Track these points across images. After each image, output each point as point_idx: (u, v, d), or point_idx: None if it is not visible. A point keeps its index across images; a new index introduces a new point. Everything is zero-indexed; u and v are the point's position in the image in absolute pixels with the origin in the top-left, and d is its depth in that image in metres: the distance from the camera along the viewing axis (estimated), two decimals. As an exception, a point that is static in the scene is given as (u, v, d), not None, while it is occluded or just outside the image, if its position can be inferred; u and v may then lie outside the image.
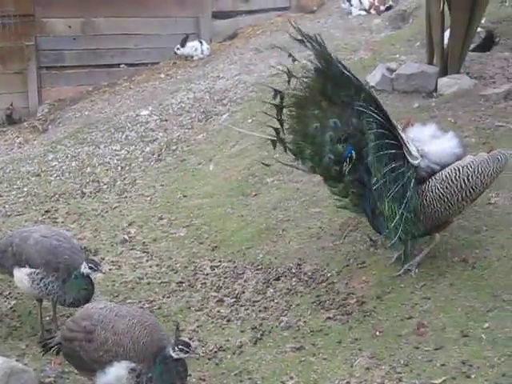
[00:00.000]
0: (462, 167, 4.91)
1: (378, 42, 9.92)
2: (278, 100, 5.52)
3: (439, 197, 4.91)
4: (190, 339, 4.81)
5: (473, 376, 4.08)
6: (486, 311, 4.57)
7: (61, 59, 11.33)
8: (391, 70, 7.95)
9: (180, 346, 3.89)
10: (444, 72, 7.66)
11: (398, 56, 8.78)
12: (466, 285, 4.83)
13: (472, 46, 8.07)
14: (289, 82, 5.52)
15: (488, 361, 4.17)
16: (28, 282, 4.91)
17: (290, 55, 5.56)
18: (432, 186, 4.93)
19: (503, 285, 4.74)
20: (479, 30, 8.13)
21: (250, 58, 10.74)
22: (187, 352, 3.90)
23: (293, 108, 5.46)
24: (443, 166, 4.96)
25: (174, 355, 3.89)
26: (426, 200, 4.94)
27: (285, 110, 5.50)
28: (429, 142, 5.07)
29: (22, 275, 4.95)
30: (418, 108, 7.19)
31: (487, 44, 8.49)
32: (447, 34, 7.65)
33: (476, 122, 6.67)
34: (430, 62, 7.88)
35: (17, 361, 4.49)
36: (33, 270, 4.90)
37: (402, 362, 4.29)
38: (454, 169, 4.93)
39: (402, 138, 4.98)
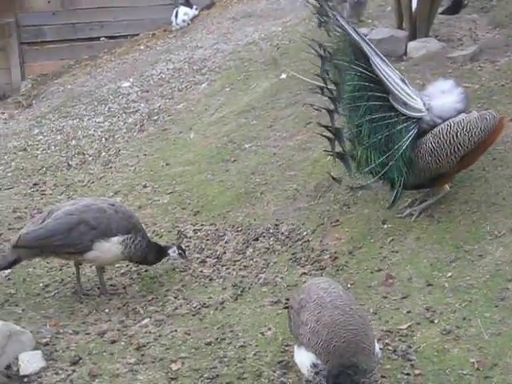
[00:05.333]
0: (453, 124, 5.14)
1: (351, 7, 10.11)
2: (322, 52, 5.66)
3: (431, 150, 5.15)
4: (175, 298, 5.15)
5: (436, 321, 4.39)
6: (449, 262, 4.88)
7: (41, 34, 11.51)
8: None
9: None
10: (413, 36, 7.88)
11: (370, 21, 9.01)
12: (431, 238, 5.14)
13: (441, 9, 8.31)
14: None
15: (450, 307, 4.48)
16: (120, 249, 5.07)
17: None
18: (427, 138, 5.18)
19: (465, 237, 5.03)
20: (448, -8, 8.37)
21: (228, 27, 10.95)
22: None
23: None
24: (445, 120, 5.20)
25: None
26: (420, 152, 5.18)
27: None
28: (437, 96, 5.30)
29: (112, 244, 5.05)
30: (388, 71, 7.45)
31: (456, 7, 8.68)
32: (415, -2, 7.88)
33: (443, 83, 6.94)
34: (400, 27, 8.11)
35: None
36: (125, 236, 5.11)
37: (372, 310, 4.59)
38: (447, 124, 5.16)
39: (395, 91, 5.23)
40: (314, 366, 3.65)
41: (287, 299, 4.31)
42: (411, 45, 7.76)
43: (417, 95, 5.30)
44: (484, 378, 3.88)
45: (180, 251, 5.36)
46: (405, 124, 5.24)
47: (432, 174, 5.29)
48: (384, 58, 5.43)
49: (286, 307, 4.15)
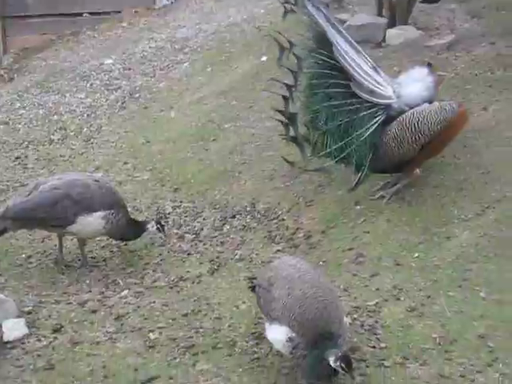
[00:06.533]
0: (416, 112, 5.33)
1: (332, -7, 10.27)
2: None
3: (394, 136, 5.35)
4: (153, 271, 5.34)
5: (402, 298, 4.59)
6: (417, 243, 5.09)
7: (24, 8, 11.52)
8: (343, 21, 8.35)
9: None
10: (392, 23, 8.06)
11: (351, 7, 9.17)
12: (401, 220, 5.35)
13: (421, -2, 8.50)
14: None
15: (416, 285, 4.69)
16: (101, 224, 5.23)
17: None
18: (392, 125, 5.37)
19: (434, 220, 5.26)
20: (428, -19, 8.54)
21: (210, 7, 11.03)
22: None
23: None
24: (411, 108, 5.37)
25: None
26: (385, 137, 5.38)
27: None
28: (408, 84, 5.48)
29: (94, 219, 5.21)
30: (366, 57, 7.64)
31: (435, -4, 8.90)
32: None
33: (419, 71, 7.14)
34: (380, 14, 8.30)
35: (-2, 293, 4.87)
36: (107, 211, 5.26)
37: (342, 287, 4.79)
38: (410, 113, 5.35)
39: (360, 79, 5.43)
40: (290, 339, 3.74)
41: (251, 279, 4.44)
42: (390, 32, 7.94)
43: (388, 83, 5.49)
44: (444, 352, 4.10)
45: (158, 226, 5.50)
46: (370, 111, 5.44)
47: (396, 160, 5.47)
48: (356, 46, 5.61)
49: (252, 287, 4.26)
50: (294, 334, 3.73)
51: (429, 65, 5.59)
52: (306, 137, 5.76)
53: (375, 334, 4.29)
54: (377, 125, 5.42)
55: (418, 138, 5.32)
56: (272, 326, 3.89)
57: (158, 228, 5.49)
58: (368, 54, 6.75)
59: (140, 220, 5.63)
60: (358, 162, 5.49)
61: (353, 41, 5.62)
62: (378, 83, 5.48)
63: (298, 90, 5.75)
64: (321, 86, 5.53)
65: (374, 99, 5.45)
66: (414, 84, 5.49)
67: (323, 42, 5.57)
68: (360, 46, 5.71)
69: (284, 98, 5.75)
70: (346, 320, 3.93)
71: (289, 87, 5.76)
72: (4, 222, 5.21)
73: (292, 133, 5.86)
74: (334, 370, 3.63)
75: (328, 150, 5.52)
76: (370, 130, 5.41)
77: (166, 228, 5.62)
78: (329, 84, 5.53)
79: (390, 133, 5.37)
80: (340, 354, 3.62)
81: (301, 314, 3.73)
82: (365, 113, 5.44)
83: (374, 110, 5.44)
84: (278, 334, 3.83)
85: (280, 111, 5.69)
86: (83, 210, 5.21)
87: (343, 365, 3.60)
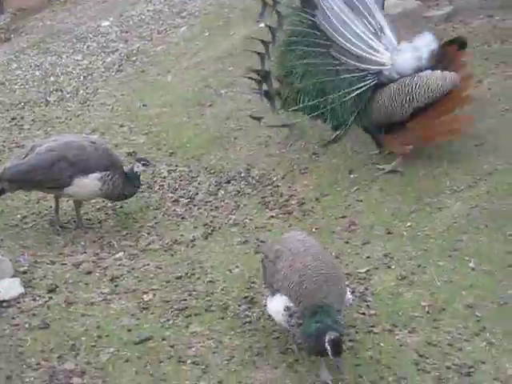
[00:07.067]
0: (417, 76, 5.38)
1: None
2: None
3: (389, 95, 5.42)
4: (148, 234, 5.39)
5: (393, 267, 4.68)
6: (409, 212, 5.17)
7: (22, -32, 11.46)
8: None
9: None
10: (391, -7, 8.05)
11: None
12: (394, 189, 5.43)
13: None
14: None
15: (407, 254, 4.78)
16: (97, 185, 5.27)
17: None
18: (391, 85, 5.43)
19: (426, 189, 5.33)
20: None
21: (208, -30, 10.97)
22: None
23: None
24: (402, 76, 5.43)
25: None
26: (381, 96, 5.45)
27: None
28: (407, 51, 5.47)
29: (90, 180, 5.25)
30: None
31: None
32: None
33: (416, 41, 7.14)
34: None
35: (-7, 253, 4.93)
36: (103, 172, 5.29)
37: (334, 254, 4.85)
38: (412, 76, 5.40)
39: (346, 44, 5.48)
40: (287, 308, 3.76)
41: (259, 241, 4.48)
42: (389, 2, 7.86)
43: (387, 48, 5.51)
44: (433, 320, 4.19)
45: (143, 162, 5.49)
46: (356, 74, 5.50)
47: (383, 118, 5.53)
48: (360, 7, 5.60)
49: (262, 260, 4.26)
50: (291, 304, 3.76)
51: (461, 44, 5.52)
52: (278, 91, 5.85)
53: (365, 301, 4.38)
54: (365, 88, 5.49)
55: (411, 99, 5.38)
56: (273, 298, 3.91)
57: (143, 164, 5.48)
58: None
59: (129, 171, 5.50)
60: (336, 121, 5.60)
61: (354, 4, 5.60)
62: (372, 48, 5.50)
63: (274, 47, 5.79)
64: (300, 44, 5.64)
65: (362, 65, 5.49)
66: (414, 52, 5.49)
67: (309, 1, 5.60)
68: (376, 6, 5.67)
69: (260, 54, 5.80)
70: (350, 297, 3.93)
71: (266, 44, 5.80)
72: (1, 183, 5.26)
73: (265, 87, 5.94)
74: (325, 348, 3.61)
75: (301, 106, 5.62)
76: (356, 93, 5.50)
77: (149, 159, 5.65)
78: (309, 43, 5.61)
79: (388, 91, 5.44)
80: (334, 337, 3.57)
81: (299, 284, 3.75)
82: (347, 75, 5.51)
83: (363, 74, 5.50)
84: (277, 304, 3.86)
85: (255, 70, 5.80)
86: (79, 172, 5.25)
87: (332, 349, 3.56)
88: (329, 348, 3.57)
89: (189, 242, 5.23)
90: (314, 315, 3.67)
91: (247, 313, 4.36)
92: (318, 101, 5.59)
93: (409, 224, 5.07)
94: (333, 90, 5.53)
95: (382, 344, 4.04)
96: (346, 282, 4.44)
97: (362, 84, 5.50)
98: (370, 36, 5.55)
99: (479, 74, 6.34)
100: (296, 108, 5.72)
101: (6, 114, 7.78)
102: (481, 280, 4.45)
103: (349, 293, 3.95)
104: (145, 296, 4.58)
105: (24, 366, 3.96)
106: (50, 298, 4.60)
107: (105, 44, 9.28)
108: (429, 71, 5.45)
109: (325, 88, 5.56)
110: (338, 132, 5.67)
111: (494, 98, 6.00)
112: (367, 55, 5.51)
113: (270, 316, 4.04)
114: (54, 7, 11.16)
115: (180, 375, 3.90)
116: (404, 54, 5.49)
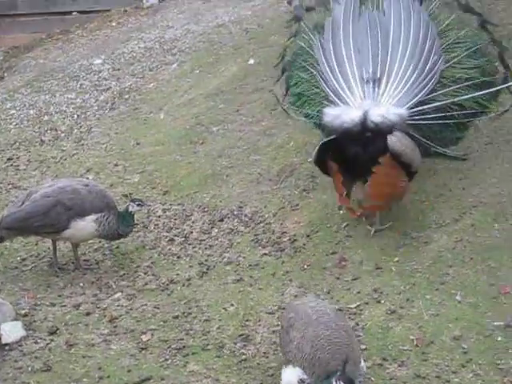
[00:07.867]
0: None
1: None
2: None
3: None
4: (145, 274, 5.54)
5: (382, 301, 4.84)
6: (397, 247, 5.34)
7: (14, 7, 11.65)
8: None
9: None
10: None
11: None
12: (382, 225, 5.61)
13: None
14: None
15: (395, 288, 4.94)
16: (94, 227, 5.43)
17: None
18: None
19: (413, 225, 5.50)
20: None
21: (198, 8, 11.15)
22: None
23: None
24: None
25: None
26: None
27: None
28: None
29: (87, 223, 5.41)
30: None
31: None
32: None
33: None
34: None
35: (-6, 296, 5.07)
36: (98, 214, 5.47)
37: (325, 290, 5.03)
38: None
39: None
40: (301, 381, 3.73)
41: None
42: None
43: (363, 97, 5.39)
44: (421, 353, 4.35)
45: (137, 203, 5.66)
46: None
47: None
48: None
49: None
50: (305, 376, 3.73)
51: None
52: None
53: (356, 336, 4.51)
54: None
55: None
56: (287, 369, 3.89)
57: (138, 204, 5.65)
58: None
59: (124, 211, 5.64)
60: None
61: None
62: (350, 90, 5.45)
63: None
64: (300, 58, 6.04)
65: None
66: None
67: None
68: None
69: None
70: (363, 365, 3.94)
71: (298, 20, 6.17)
72: (0, 232, 5.43)
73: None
74: None
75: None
76: None
77: (143, 200, 5.87)
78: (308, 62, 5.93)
79: None
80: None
81: (312, 355, 3.72)
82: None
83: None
84: (290, 376, 3.83)
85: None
86: (75, 215, 5.43)
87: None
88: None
89: (185, 281, 5.37)
90: (328, 378, 3.66)
91: (243, 350, 4.52)
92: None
93: (397, 259, 5.23)
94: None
95: (372, 378, 4.19)
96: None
97: None
98: (357, 79, 5.43)
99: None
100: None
101: (2, 154, 7.88)
102: (466, 312, 4.63)
103: (363, 361, 3.94)
104: (143, 336, 4.73)
105: (28, 409, 4.11)
106: (52, 340, 4.74)
107: (97, 82, 9.44)
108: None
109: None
110: None
111: (476, 132, 6.19)
112: (341, 92, 5.49)
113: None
114: (47, 45, 11.31)
115: (179, 414, 4.05)
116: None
